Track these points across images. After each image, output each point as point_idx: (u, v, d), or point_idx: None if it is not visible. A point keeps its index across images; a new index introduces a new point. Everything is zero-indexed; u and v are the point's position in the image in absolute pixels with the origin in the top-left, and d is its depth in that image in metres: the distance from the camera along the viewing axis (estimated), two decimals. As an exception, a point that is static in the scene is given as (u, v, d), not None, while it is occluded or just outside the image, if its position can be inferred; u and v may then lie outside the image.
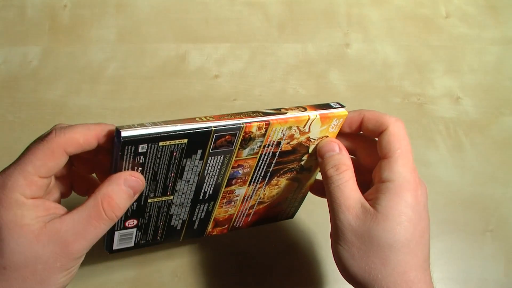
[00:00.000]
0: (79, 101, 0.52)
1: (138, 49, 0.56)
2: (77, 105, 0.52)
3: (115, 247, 0.36)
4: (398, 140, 0.31)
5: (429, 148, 0.51)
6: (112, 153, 0.28)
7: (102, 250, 0.44)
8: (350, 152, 0.35)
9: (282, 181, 0.37)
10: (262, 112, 0.31)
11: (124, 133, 0.26)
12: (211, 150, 0.30)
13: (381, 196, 0.30)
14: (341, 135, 0.35)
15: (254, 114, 0.30)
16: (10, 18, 0.57)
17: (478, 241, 0.46)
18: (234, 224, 0.40)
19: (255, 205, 0.38)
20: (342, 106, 0.34)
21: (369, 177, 0.33)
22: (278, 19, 0.59)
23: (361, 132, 0.34)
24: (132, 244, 0.36)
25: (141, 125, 0.27)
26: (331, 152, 0.33)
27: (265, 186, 0.37)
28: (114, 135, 0.28)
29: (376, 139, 0.33)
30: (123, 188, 0.28)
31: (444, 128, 0.52)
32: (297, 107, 0.32)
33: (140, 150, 0.28)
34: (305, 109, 0.32)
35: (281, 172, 0.36)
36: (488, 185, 0.49)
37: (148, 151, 0.28)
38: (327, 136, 0.34)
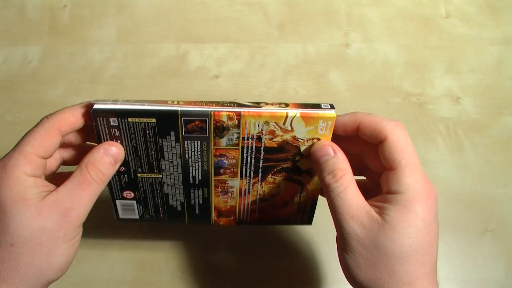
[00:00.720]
0: (79, 101, 0.51)
1: (138, 49, 0.56)
2: (77, 105, 0.52)
3: (121, 216, 0.38)
4: (401, 149, 0.29)
5: (429, 148, 0.51)
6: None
7: (102, 251, 0.44)
8: (356, 155, 0.34)
9: (280, 181, 0.36)
10: (238, 104, 0.31)
11: (95, 106, 0.30)
12: (184, 133, 0.31)
13: (389, 207, 0.29)
14: (341, 136, 0.33)
15: (228, 104, 0.31)
16: (10, 18, 0.57)
17: (478, 241, 0.46)
18: (241, 218, 0.39)
19: (257, 201, 0.38)
20: (333, 108, 0.32)
21: (378, 177, 0.32)
22: (278, 19, 0.59)
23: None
24: (137, 216, 0.38)
25: (115, 101, 0.30)
26: (326, 157, 0.31)
27: (261, 182, 0.36)
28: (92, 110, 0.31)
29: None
30: (102, 155, 0.31)
31: (444, 128, 0.52)
32: (280, 104, 0.32)
33: (112, 123, 0.31)
34: (287, 106, 0.31)
35: (275, 170, 0.36)
36: (488, 185, 0.49)
37: (120, 125, 0.31)
38: (319, 139, 0.33)
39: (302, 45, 0.57)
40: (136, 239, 0.44)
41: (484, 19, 0.60)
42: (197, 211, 0.38)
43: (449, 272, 0.44)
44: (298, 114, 0.31)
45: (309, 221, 0.40)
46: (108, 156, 0.31)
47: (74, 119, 0.31)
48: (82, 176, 0.30)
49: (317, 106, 0.32)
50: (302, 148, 0.34)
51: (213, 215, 0.39)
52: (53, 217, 0.28)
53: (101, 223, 0.44)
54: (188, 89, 0.53)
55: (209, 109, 0.30)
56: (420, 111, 0.53)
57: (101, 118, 0.31)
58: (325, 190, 0.31)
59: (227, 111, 0.30)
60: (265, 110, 0.31)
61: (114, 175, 0.34)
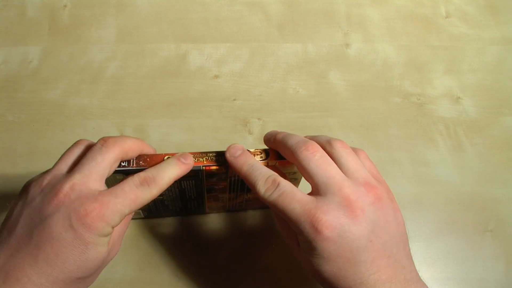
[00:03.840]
0: (79, 101, 0.52)
1: (138, 49, 0.56)
2: (77, 105, 0.52)
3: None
4: (313, 172, 0.31)
5: (429, 148, 0.51)
6: None
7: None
8: None
9: None
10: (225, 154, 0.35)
11: None
12: (181, 178, 0.34)
13: (300, 243, 0.31)
14: None
15: (217, 158, 0.35)
16: (10, 18, 0.57)
17: (478, 241, 0.46)
18: (230, 209, 0.45)
19: (243, 202, 0.43)
20: None
21: None
22: (278, 19, 0.59)
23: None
24: (142, 216, 0.44)
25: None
26: (238, 152, 0.34)
27: (246, 193, 0.41)
28: None
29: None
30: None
31: (444, 128, 0.52)
32: (261, 152, 0.35)
33: (117, 177, 0.34)
34: (268, 155, 0.35)
35: None
36: (488, 185, 0.49)
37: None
38: (295, 172, 0.38)
39: (302, 45, 0.57)
40: (136, 239, 0.44)
41: (484, 19, 0.60)
42: (192, 210, 0.44)
43: (449, 272, 0.44)
44: (277, 164, 0.35)
45: None
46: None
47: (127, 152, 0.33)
48: (128, 218, 0.33)
49: None
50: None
51: (206, 207, 0.44)
52: (109, 256, 0.31)
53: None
54: (188, 89, 0.53)
55: (201, 166, 0.34)
56: (420, 111, 0.53)
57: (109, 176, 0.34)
58: (241, 173, 0.33)
59: (216, 166, 0.35)
60: None
61: None
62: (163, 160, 0.34)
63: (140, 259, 0.44)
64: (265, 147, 0.36)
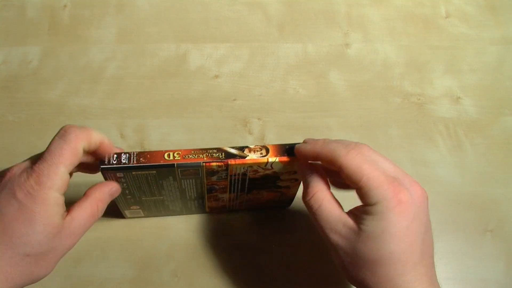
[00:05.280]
0: (79, 101, 0.52)
1: (138, 49, 0.56)
2: (77, 105, 0.52)
3: (128, 215, 0.44)
4: (355, 172, 0.31)
5: (429, 148, 0.51)
6: None
7: (102, 251, 0.44)
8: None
9: (263, 193, 0.42)
10: (225, 153, 0.35)
11: (102, 166, 0.34)
12: (181, 177, 0.36)
13: (365, 217, 0.31)
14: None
15: (217, 154, 0.35)
16: (10, 18, 0.57)
17: (478, 241, 0.46)
18: (232, 207, 0.45)
19: (244, 202, 0.43)
20: None
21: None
22: (278, 19, 0.59)
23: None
24: (142, 215, 0.44)
25: (119, 156, 0.34)
26: (304, 177, 0.35)
27: (247, 194, 0.41)
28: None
29: None
30: (108, 195, 0.34)
31: (444, 128, 0.52)
32: (261, 148, 0.35)
33: (118, 175, 0.35)
34: (267, 151, 0.35)
35: (258, 188, 0.41)
36: (488, 185, 0.49)
37: (125, 175, 0.35)
38: (295, 172, 0.38)
39: (302, 45, 0.57)
40: (136, 239, 0.44)
41: (484, 19, 0.60)
42: (193, 210, 0.44)
43: (449, 272, 0.44)
44: (277, 160, 0.35)
45: (289, 204, 0.46)
46: (111, 195, 0.35)
47: (93, 141, 0.32)
48: (92, 211, 0.33)
49: (293, 147, 0.36)
50: (282, 176, 0.38)
51: (206, 206, 0.44)
52: (66, 241, 0.31)
53: (101, 223, 0.44)
54: (188, 89, 0.53)
55: (201, 162, 0.35)
56: (420, 111, 0.53)
57: (109, 173, 0.34)
58: (308, 206, 0.34)
59: (216, 162, 0.35)
60: (249, 159, 0.35)
61: (121, 197, 0.39)
62: (163, 157, 0.34)
63: (140, 259, 0.44)
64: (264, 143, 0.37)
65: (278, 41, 0.58)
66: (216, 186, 0.39)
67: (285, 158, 0.35)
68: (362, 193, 0.31)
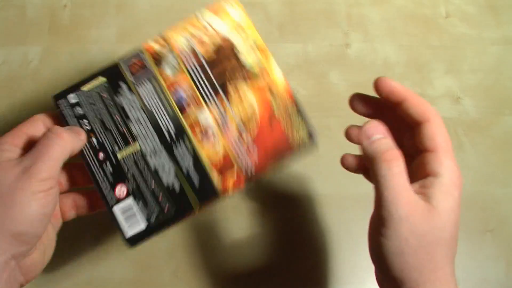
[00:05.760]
0: (79, 101, 0.52)
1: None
2: (77, 105, 0.52)
3: (128, 233, 0.35)
4: (442, 133, 0.31)
5: (429, 148, 0.51)
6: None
7: (102, 251, 0.44)
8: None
9: (246, 93, 0.35)
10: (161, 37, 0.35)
11: (54, 95, 0.35)
12: (133, 79, 0.34)
13: (434, 191, 0.29)
14: (381, 117, 0.34)
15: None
16: (10, 18, 0.57)
17: (478, 241, 0.46)
18: (247, 171, 0.36)
19: (244, 132, 0.36)
20: None
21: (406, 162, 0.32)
22: (278, 19, 0.59)
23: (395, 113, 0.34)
24: (143, 226, 0.35)
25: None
26: (378, 135, 0.31)
27: (228, 103, 0.35)
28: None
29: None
30: (64, 128, 0.34)
31: (444, 128, 0.52)
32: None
33: (72, 100, 0.35)
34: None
35: (231, 82, 0.35)
36: (488, 185, 0.49)
37: (79, 99, 0.35)
38: (243, 31, 0.35)
39: (302, 45, 0.57)
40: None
41: (485, 19, 0.60)
42: (197, 183, 0.35)
43: (449, 272, 0.44)
44: (205, 10, 0.34)
45: (311, 140, 0.37)
46: (73, 131, 0.35)
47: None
48: (44, 139, 0.32)
49: None
50: (240, 55, 0.35)
51: (215, 179, 0.35)
52: (13, 172, 0.31)
53: (101, 223, 0.44)
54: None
55: (140, 47, 0.34)
56: (420, 111, 0.53)
57: (62, 101, 0.35)
58: (381, 167, 0.29)
59: (153, 39, 0.34)
60: (180, 22, 0.35)
61: (99, 170, 0.35)
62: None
63: (140, 259, 0.44)
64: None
65: (278, 41, 0.57)
66: (182, 94, 0.35)
67: (211, 5, 0.34)
68: (433, 159, 0.30)
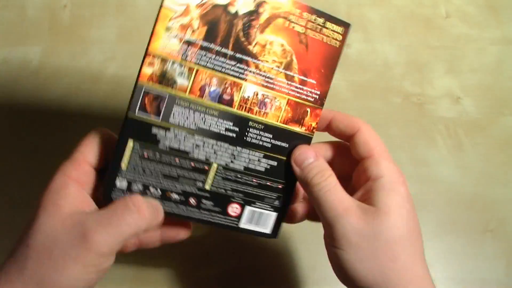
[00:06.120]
0: (79, 101, 0.52)
1: (138, 49, 0.56)
2: (77, 105, 0.52)
3: (266, 232, 0.36)
4: (374, 138, 0.32)
5: (429, 148, 0.51)
6: None
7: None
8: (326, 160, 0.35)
9: (264, 37, 0.32)
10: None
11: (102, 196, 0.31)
12: (156, 117, 0.30)
13: (376, 194, 0.30)
14: (316, 143, 0.35)
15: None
16: (10, 18, 0.57)
17: (478, 241, 0.46)
18: (317, 101, 0.35)
19: (290, 72, 0.33)
20: None
21: (344, 184, 0.32)
22: (278, 19, 0.59)
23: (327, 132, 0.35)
24: (273, 216, 0.35)
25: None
26: (309, 160, 0.32)
27: (258, 60, 0.32)
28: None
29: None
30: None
31: (444, 128, 0.52)
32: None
33: (123, 186, 0.31)
34: None
35: (243, 39, 0.32)
36: (488, 185, 0.49)
37: (128, 178, 0.31)
38: None
39: (302, 45, 0.57)
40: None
41: (484, 19, 0.60)
42: (286, 147, 0.34)
43: (449, 272, 0.44)
44: None
45: (345, 26, 0.35)
46: (148, 202, 0.30)
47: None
48: (121, 206, 0.29)
49: None
50: (219, 1, 0.31)
51: (299, 130, 0.34)
52: (72, 234, 0.27)
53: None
54: (188, 89, 0.53)
55: (137, 83, 0.30)
56: (420, 111, 0.53)
57: (115, 193, 0.31)
58: (313, 190, 0.31)
59: (144, 64, 0.30)
60: None
61: (202, 213, 0.33)
62: None
63: (140, 259, 0.44)
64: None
65: (278, 41, 0.57)
66: (212, 88, 0.31)
67: None
68: (371, 164, 0.31)
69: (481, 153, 0.51)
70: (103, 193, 0.31)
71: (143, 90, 0.30)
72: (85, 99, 0.52)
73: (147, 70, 0.30)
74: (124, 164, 0.31)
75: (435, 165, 0.50)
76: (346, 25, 0.34)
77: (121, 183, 0.31)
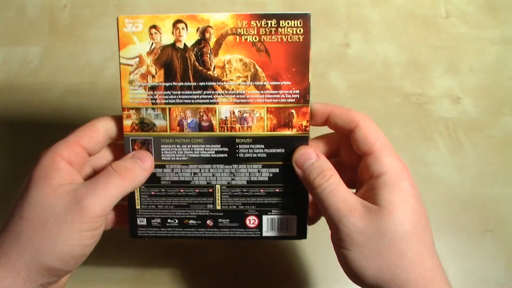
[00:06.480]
0: (79, 101, 0.52)
1: (138, 49, 0.56)
2: (77, 105, 0.52)
3: (293, 234, 0.36)
4: (374, 132, 0.31)
5: (429, 148, 0.51)
6: None
7: (102, 251, 0.44)
8: (332, 152, 0.35)
9: (220, 59, 0.34)
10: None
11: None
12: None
13: (379, 191, 0.29)
14: (317, 138, 0.35)
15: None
16: (10, 18, 0.57)
17: (478, 241, 0.46)
18: (300, 99, 0.34)
19: (260, 82, 0.34)
20: None
21: (353, 175, 0.33)
22: (278, 19, 0.59)
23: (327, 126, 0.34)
24: (295, 217, 0.35)
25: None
26: (310, 161, 0.32)
27: (222, 82, 0.33)
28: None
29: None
30: (131, 158, 0.32)
31: (444, 128, 0.52)
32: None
33: (144, 222, 0.35)
34: None
35: (201, 66, 0.33)
36: (488, 185, 0.49)
37: (146, 215, 0.35)
38: (157, 29, 0.34)
39: (302, 45, 0.57)
40: (136, 238, 0.44)
41: (484, 19, 0.60)
42: (283, 151, 0.35)
43: (449, 272, 0.44)
44: (119, 53, 0.35)
45: (303, 18, 0.34)
46: (137, 160, 0.32)
47: (117, 124, 0.33)
48: (104, 172, 0.30)
49: None
50: (163, 40, 0.34)
51: (291, 133, 0.34)
52: (65, 200, 0.28)
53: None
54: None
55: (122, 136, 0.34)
56: (420, 111, 0.53)
57: (142, 232, 0.36)
58: (316, 192, 0.31)
59: (123, 118, 0.33)
60: None
61: (223, 232, 0.35)
62: None
63: (140, 259, 0.44)
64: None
65: (278, 41, 0.57)
66: (189, 120, 0.34)
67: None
68: (372, 160, 0.30)
69: (481, 153, 0.51)
70: (130, 233, 0.35)
71: (130, 139, 0.33)
72: (85, 99, 0.52)
73: (127, 122, 0.33)
74: (138, 205, 0.34)
75: (434, 165, 0.50)
76: (303, 16, 0.34)
77: (141, 221, 0.35)
